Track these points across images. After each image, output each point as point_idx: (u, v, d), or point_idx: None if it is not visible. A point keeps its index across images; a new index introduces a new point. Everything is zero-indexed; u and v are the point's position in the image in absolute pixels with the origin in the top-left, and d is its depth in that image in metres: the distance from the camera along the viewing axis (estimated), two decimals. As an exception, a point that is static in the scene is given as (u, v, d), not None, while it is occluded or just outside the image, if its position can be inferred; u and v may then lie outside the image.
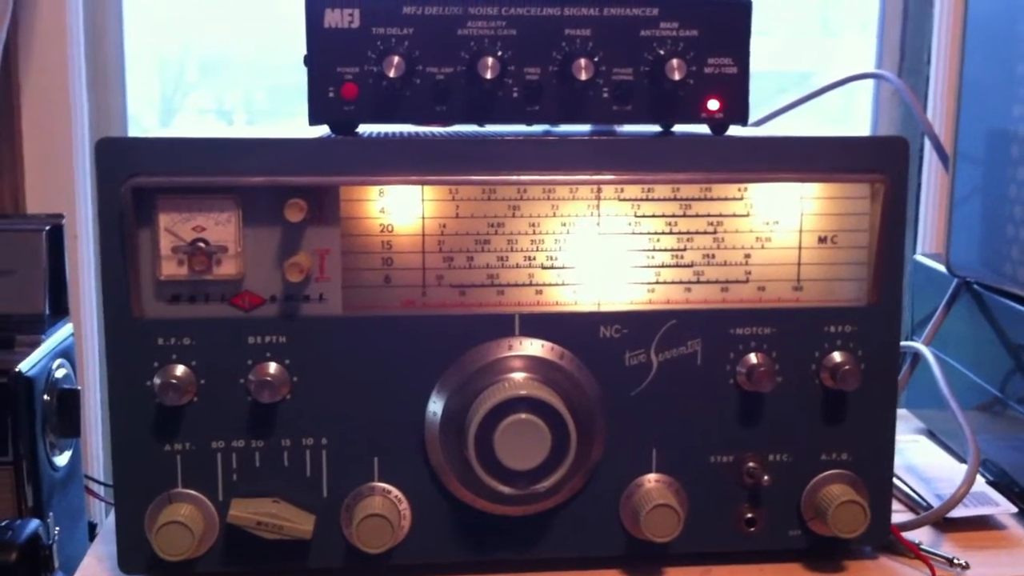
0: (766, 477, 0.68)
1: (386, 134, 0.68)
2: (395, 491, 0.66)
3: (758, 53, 0.67)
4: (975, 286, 0.87)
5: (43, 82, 1.06)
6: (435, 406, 0.65)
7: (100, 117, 1.16)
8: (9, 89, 1.06)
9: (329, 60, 0.63)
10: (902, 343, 0.88)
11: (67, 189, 1.08)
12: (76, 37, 1.08)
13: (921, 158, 1.28)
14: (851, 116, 1.40)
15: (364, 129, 0.70)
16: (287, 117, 1.29)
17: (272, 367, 0.64)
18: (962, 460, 0.87)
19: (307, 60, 0.64)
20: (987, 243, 0.84)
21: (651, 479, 0.68)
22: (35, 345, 0.79)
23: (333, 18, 0.63)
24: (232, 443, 0.65)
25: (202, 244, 0.63)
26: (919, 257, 1.01)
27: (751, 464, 0.68)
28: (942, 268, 0.91)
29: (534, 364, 0.65)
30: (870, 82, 1.31)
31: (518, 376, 0.65)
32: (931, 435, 0.95)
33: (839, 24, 1.45)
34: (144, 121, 1.31)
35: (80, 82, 1.09)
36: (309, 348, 0.64)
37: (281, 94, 1.34)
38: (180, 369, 0.63)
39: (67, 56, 1.07)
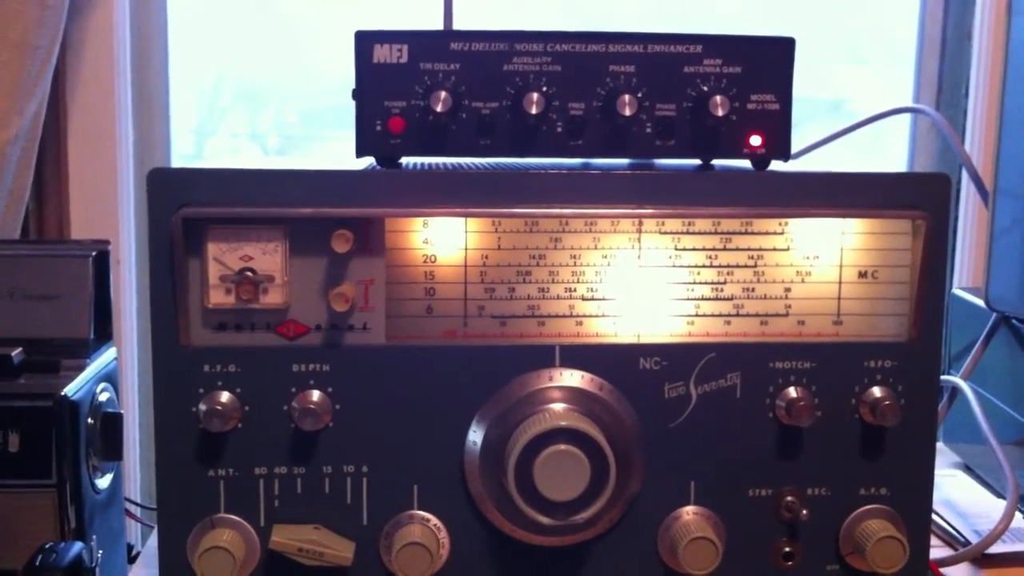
0: (804, 511, 0.68)
1: (431, 166, 0.69)
2: (434, 520, 0.66)
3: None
4: (1014, 321, 0.87)
5: (90, 110, 1.08)
6: (475, 436, 0.66)
7: (143, 145, 1.18)
8: (57, 116, 1.08)
9: (377, 94, 0.65)
10: (942, 377, 0.87)
11: (111, 215, 1.09)
12: (123, 66, 1.10)
13: (958, 191, 1.28)
14: (884, 145, 1.40)
15: (407, 160, 0.71)
16: (319, 141, 1.31)
17: (315, 395, 0.65)
18: (1000, 495, 0.87)
19: (355, 94, 0.65)
20: (1027, 279, 0.84)
21: (689, 511, 0.68)
22: (80, 369, 0.80)
23: (382, 53, 0.64)
24: (274, 469, 0.65)
25: (249, 273, 0.64)
26: (957, 291, 1.01)
27: (789, 498, 0.68)
28: (980, 302, 0.91)
29: (574, 395, 0.66)
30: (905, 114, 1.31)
31: (558, 407, 0.65)
32: (968, 470, 0.95)
33: (870, 50, 1.46)
34: (179, 145, 1.33)
35: (126, 111, 1.11)
36: (352, 377, 0.65)
37: (313, 118, 1.36)
38: (225, 396, 0.64)
39: (114, 85, 1.09)
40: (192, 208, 0.63)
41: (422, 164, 0.70)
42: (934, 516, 0.77)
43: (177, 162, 1.28)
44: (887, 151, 1.40)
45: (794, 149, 0.95)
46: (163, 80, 1.19)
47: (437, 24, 0.74)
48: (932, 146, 1.34)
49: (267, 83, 1.34)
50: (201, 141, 1.38)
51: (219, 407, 0.64)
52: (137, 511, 0.98)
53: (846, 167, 0.69)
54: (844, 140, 0.97)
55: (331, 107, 0.60)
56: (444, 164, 0.71)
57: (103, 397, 0.82)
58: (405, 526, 0.66)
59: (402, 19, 0.73)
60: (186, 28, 1.24)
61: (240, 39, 1.31)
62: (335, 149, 0.65)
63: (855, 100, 1.46)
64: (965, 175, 1.00)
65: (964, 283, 1.25)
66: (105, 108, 1.09)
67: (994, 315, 0.89)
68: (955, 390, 0.87)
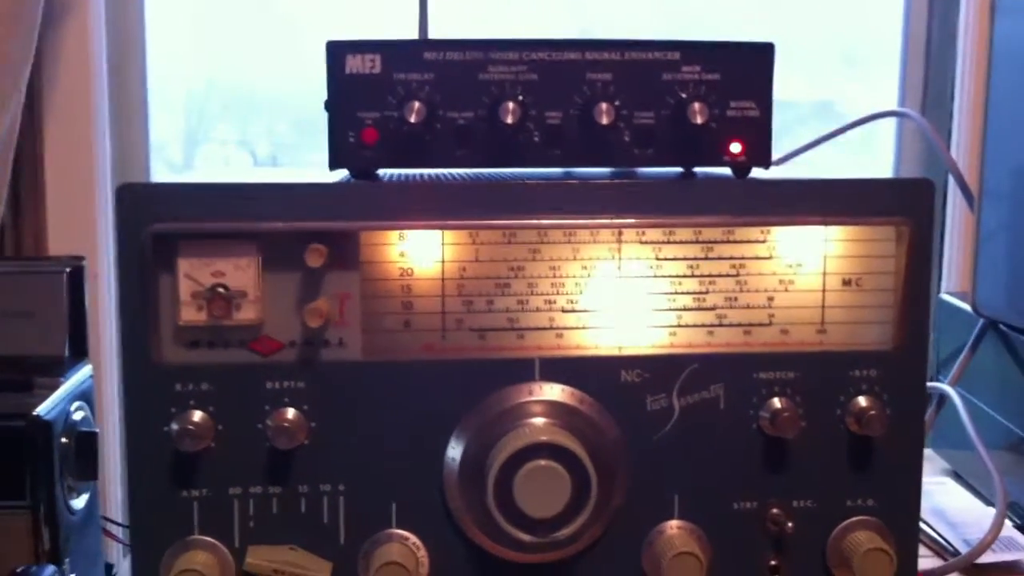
0: (790, 524, 0.67)
1: (406, 178, 0.68)
2: (413, 538, 0.65)
3: (777, 82, 0.67)
4: (1001, 326, 0.86)
5: (66, 122, 1.07)
6: (454, 452, 0.65)
7: (122, 157, 1.16)
8: (33, 129, 1.06)
9: (350, 105, 0.63)
10: (929, 384, 0.86)
11: (89, 230, 1.08)
12: (100, 78, 1.09)
13: (945, 194, 1.27)
14: (874, 145, 1.39)
15: (384, 172, 0.69)
16: (310, 151, 1.30)
17: (290, 413, 0.63)
18: (989, 503, 0.86)
19: (328, 105, 0.64)
20: (1014, 284, 0.83)
21: (673, 526, 0.67)
22: (54, 388, 0.79)
23: (355, 63, 0.63)
24: (249, 489, 0.64)
25: (221, 289, 0.63)
26: (944, 296, 1.00)
27: (775, 511, 0.67)
28: (967, 307, 0.90)
29: (554, 409, 0.65)
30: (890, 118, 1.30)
31: (538, 421, 0.64)
32: (957, 476, 0.94)
33: (860, 53, 1.45)
34: (168, 152, 1.32)
35: (103, 122, 1.10)
36: (328, 393, 0.64)
37: (305, 127, 1.35)
38: (198, 415, 0.63)
39: (91, 96, 1.07)
40: (162, 224, 0.62)
41: (398, 176, 0.69)
42: (922, 525, 0.77)
43: (164, 172, 1.27)
44: (877, 151, 1.39)
45: (780, 154, 0.95)
46: (141, 91, 1.18)
47: (436, 32, 0.72)
48: (918, 148, 1.33)
49: (258, 91, 1.32)
50: (190, 150, 1.37)
51: (192, 426, 0.62)
52: (119, 531, 0.97)
53: (831, 172, 0.69)
54: (833, 141, 0.96)
55: (323, 115, 0.60)
56: (420, 175, 0.70)
57: (78, 416, 0.81)
58: (383, 545, 0.64)
59: (402, 25, 0.71)
60: (174, 35, 1.23)
61: (230, 45, 1.30)
62: (326, 158, 0.63)
63: (844, 102, 1.45)
64: (952, 178, 0.99)
65: (952, 288, 1.24)
66: (82, 120, 1.07)
67: (981, 321, 0.88)
68: (943, 397, 0.86)
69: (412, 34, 0.71)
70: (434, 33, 0.71)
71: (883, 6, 1.36)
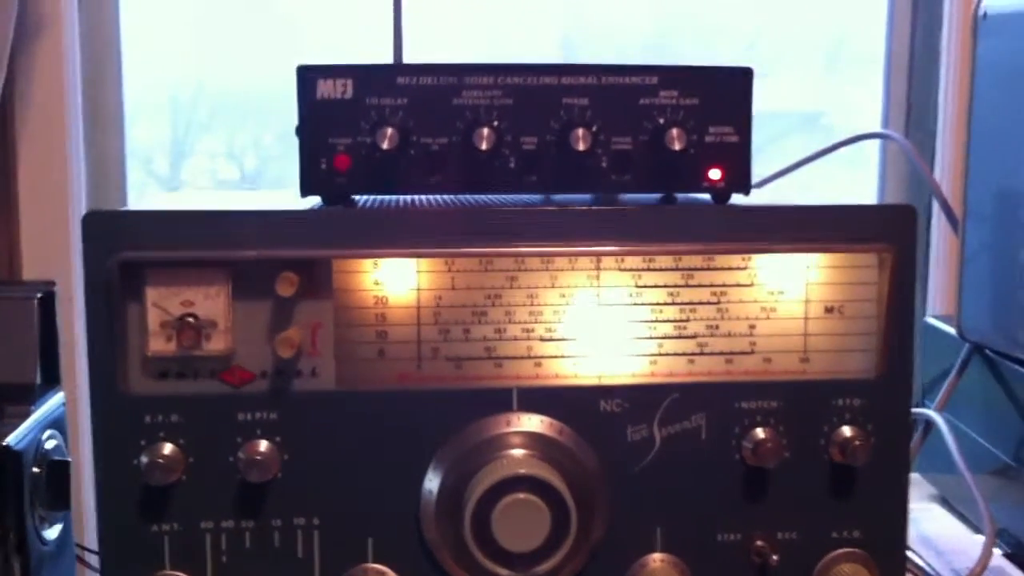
0: (775, 556, 0.65)
1: (380, 204, 0.67)
2: (390, 572, 0.64)
3: (765, 93, 0.66)
4: (987, 351, 0.85)
5: (40, 144, 1.05)
6: (431, 484, 0.63)
7: (99, 175, 1.15)
8: (6, 151, 1.05)
9: (321, 131, 0.62)
10: (915, 409, 0.85)
11: (63, 253, 1.06)
12: (74, 98, 1.07)
13: (930, 216, 1.26)
14: (865, 160, 1.39)
15: (360, 199, 0.68)
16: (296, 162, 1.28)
17: (262, 445, 0.62)
18: (977, 530, 0.85)
19: (299, 131, 0.62)
20: (998, 309, 0.83)
21: (656, 559, 0.65)
22: (24, 416, 0.77)
23: (326, 88, 0.62)
24: (221, 523, 0.63)
25: (191, 319, 0.61)
26: (930, 319, 0.99)
27: (759, 543, 0.66)
28: (953, 331, 0.89)
29: (533, 440, 0.63)
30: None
31: (516, 453, 0.63)
32: (944, 502, 0.93)
33: (848, 63, 1.45)
34: (155, 164, 1.31)
35: (77, 144, 1.09)
36: (301, 425, 0.63)
37: (290, 140, 1.33)
38: (168, 448, 0.61)
39: (64, 117, 1.06)
40: (130, 252, 0.60)
41: (372, 202, 0.68)
42: (910, 554, 0.75)
43: (151, 185, 1.26)
44: (870, 164, 1.39)
45: (765, 173, 0.94)
46: (118, 109, 1.17)
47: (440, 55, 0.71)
48: (903, 168, 1.33)
49: (245, 101, 1.32)
50: (178, 162, 1.36)
51: (161, 459, 0.61)
52: (94, 559, 0.95)
53: (822, 187, 0.68)
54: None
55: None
56: (394, 202, 0.68)
57: (49, 444, 0.79)
58: (359, 580, 0.63)
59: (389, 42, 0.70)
60: (160, 46, 1.22)
61: (216, 56, 1.29)
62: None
63: (831, 114, 1.45)
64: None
65: (938, 311, 1.23)
66: (56, 140, 1.06)
67: (967, 345, 0.87)
68: (929, 423, 0.85)
69: (416, 55, 0.70)
70: (420, 51, 0.70)
71: (876, 16, 1.36)
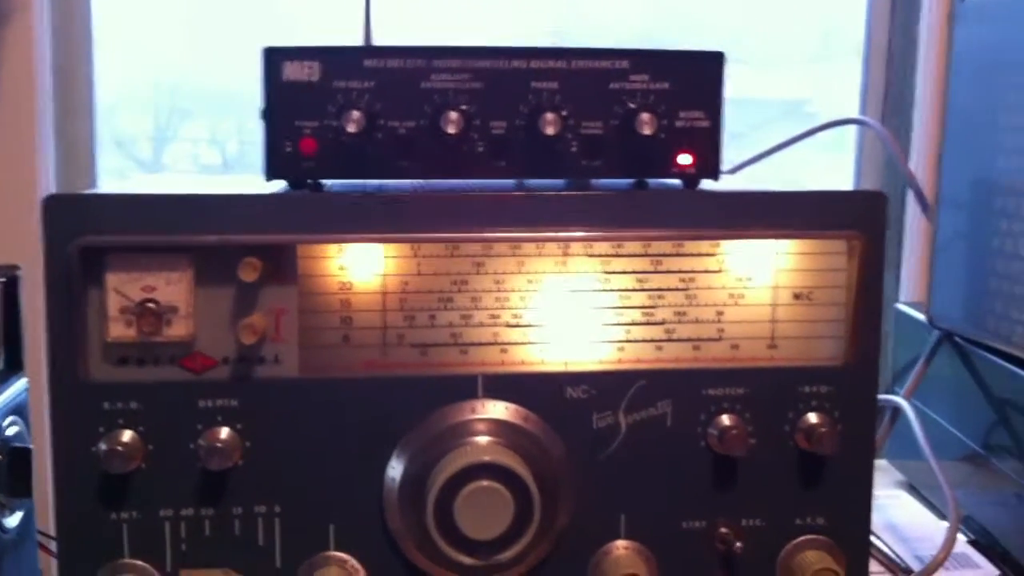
0: (739, 543, 0.65)
1: (346, 189, 0.66)
2: (352, 560, 0.63)
3: (750, 80, 0.66)
4: (957, 338, 0.85)
5: (8, 129, 1.04)
6: (394, 471, 0.63)
7: (68, 162, 1.14)
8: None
9: (287, 114, 0.61)
10: (883, 396, 0.86)
11: (30, 238, 1.05)
12: (43, 83, 1.06)
13: (904, 201, 1.26)
14: (846, 144, 1.38)
15: (329, 183, 0.67)
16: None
17: (223, 432, 0.61)
18: (944, 517, 0.85)
19: (264, 114, 0.62)
20: (969, 296, 0.83)
21: (620, 546, 0.65)
22: (-14, 402, 0.76)
23: (292, 71, 0.61)
24: (181, 511, 0.62)
25: (152, 304, 0.60)
26: (901, 306, 0.99)
27: (723, 530, 0.66)
28: (923, 318, 0.89)
29: (497, 427, 0.63)
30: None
31: (481, 440, 0.62)
32: (912, 488, 0.93)
33: (834, 50, 1.44)
34: (138, 149, 1.29)
35: (47, 129, 1.07)
36: (262, 412, 0.62)
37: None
38: (127, 435, 0.61)
39: (33, 102, 1.05)
40: (91, 236, 0.60)
41: (337, 186, 0.67)
42: (875, 541, 0.76)
43: (133, 169, 1.24)
44: (847, 147, 1.38)
45: (744, 156, 0.94)
46: (88, 93, 1.15)
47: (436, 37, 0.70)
48: (879, 155, 1.32)
49: (228, 87, 1.30)
50: (160, 148, 1.35)
51: (120, 447, 0.60)
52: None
53: (802, 172, 0.67)
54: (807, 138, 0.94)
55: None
56: (361, 186, 0.68)
57: (11, 431, 0.78)
58: (321, 568, 0.63)
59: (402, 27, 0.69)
60: (142, 30, 1.21)
61: (197, 41, 1.28)
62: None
63: (814, 101, 1.44)
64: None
65: (912, 298, 1.23)
66: (25, 125, 1.04)
67: (937, 332, 0.87)
68: (897, 409, 0.85)
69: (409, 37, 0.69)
70: (399, 38, 0.69)
71: (857, 8, 1.35)
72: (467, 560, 0.60)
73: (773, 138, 0.95)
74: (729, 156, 0.96)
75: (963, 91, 0.85)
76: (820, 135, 0.94)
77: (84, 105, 1.15)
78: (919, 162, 1.25)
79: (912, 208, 1.26)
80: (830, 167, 1.40)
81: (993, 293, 0.79)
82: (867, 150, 1.35)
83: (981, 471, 0.81)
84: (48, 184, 1.07)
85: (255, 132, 0.63)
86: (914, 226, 1.27)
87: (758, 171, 0.93)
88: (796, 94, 1.43)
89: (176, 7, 1.28)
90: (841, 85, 1.41)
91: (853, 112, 1.35)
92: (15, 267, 0.82)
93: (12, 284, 0.81)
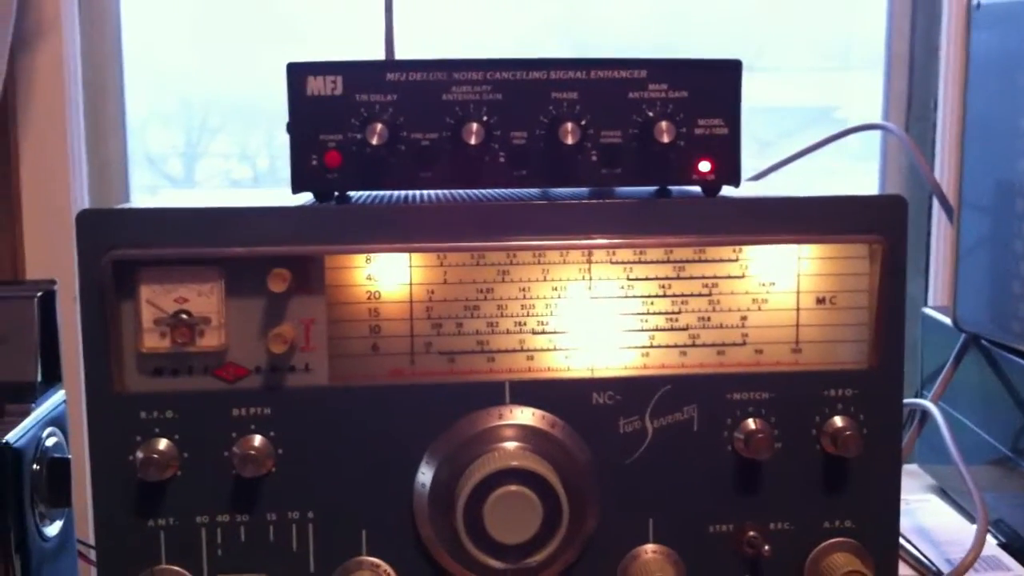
0: (767, 547, 0.66)
1: (371, 200, 0.67)
2: (384, 565, 0.64)
3: (779, 88, 0.66)
4: (983, 341, 0.85)
5: (41, 145, 1.06)
6: (424, 477, 0.64)
7: (101, 178, 1.16)
8: (8, 153, 1.06)
9: (312, 127, 0.63)
10: (911, 400, 0.86)
11: (65, 253, 1.07)
12: (75, 100, 1.08)
13: (930, 206, 1.26)
14: (874, 152, 1.38)
15: (354, 195, 0.69)
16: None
17: (256, 440, 0.63)
18: (974, 520, 0.85)
19: (289, 128, 0.63)
20: (994, 299, 0.83)
21: (648, 550, 0.66)
22: (25, 414, 0.78)
23: (316, 85, 0.63)
24: (216, 518, 0.63)
25: (184, 316, 0.62)
26: (927, 310, 0.99)
27: (751, 533, 0.66)
28: (950, 322, 0.89)
29: (525, 433, 0.64)
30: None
31: (509, 446, 0.63)
32: (942, 492, 0.93)
33: (861, 58, 1.44)
34: (169, 166, 1.31)
35: (79, 145, 1.09)
36: (294, 420, 0.63)
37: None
38: (163, 443, 0.62)
39: (66, 119, 1.07)
40: (123, 250, 0.61)
41: (363, 198, 0.68)
42: (905, 544, 0.76)
43: (165, 186, 1.27)
44: (873, 152, 1.38)
45: (768, 163, 0.94)
46: (120, 109, 1.18)
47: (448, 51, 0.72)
48: (903, 161, 1.32)
49: (257, 102, 1.32)
50: (191, 164, 1.37)
51: (156, 455, 0.62)
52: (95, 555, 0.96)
53: (828, 179, 0.68)
54: (834, 145, 0.95)
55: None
56: (385, 197, 0.69)
57: (50, 442, 0.80)
58: (354, 573, 0.64)
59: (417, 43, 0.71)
60: (171, 48, 1.23)
61: (228, 57, 1.30)
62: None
63: (844, 108, 1.44)
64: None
65: (940, 302, 1.23)
66: (57, 142, 1.07)
67: (963, 336, 0.87)
68: (926, 413, 0.85)
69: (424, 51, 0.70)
70: (424, 51, 0.71)
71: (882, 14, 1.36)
72: (496, 564, 0.61)
73: (802, 145, 0.95)
74: (758, 164, 0.97)
75: (982, 96, 0.85)
76: (851, 144, 0.94)
77: (115, 123, 1.17)
78: (943, 168, 1.24)
79: (938, 213, 1.26)
80: (863, 175, 1.40)
81: (1018, 296, 0.79)
82: (891, 156, 1.35)
83: (1010, 474, 0.81)
84: (82, 200, 1.10)
85: (284, 146, 0.64)
86: (940, 231, 1.26)
87: (787, 180, 0.94)
88: (825, 102, 1.43)
89: (204, 24, 1.30)
90: (869, 93, 1.41)
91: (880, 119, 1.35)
92: (52, 282, 0.84)
93: (49, 298, 0.83)
